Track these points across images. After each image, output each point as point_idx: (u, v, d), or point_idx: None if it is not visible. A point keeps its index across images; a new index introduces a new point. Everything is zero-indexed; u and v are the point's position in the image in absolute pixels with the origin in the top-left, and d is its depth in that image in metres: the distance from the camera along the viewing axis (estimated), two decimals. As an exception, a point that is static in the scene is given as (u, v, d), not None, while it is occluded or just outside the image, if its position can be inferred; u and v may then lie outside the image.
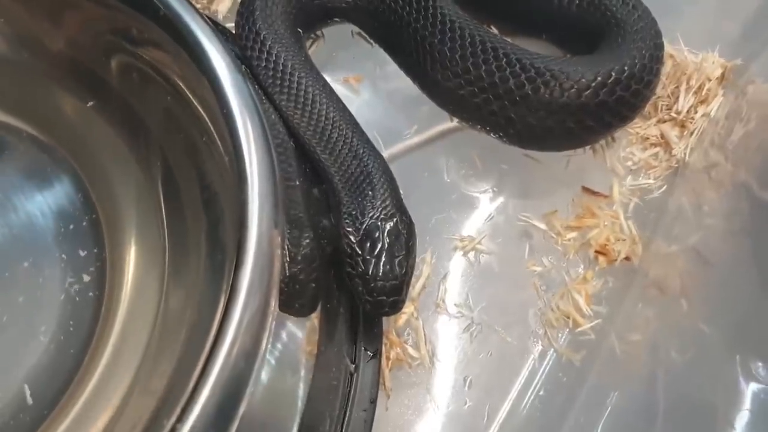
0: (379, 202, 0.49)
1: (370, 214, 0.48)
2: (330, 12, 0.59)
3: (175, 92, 0.47)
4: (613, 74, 0.50)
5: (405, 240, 0.48)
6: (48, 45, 0.51)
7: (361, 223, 0.48)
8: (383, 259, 0.47)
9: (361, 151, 0.52)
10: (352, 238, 0.48)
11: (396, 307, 0.47)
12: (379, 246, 0.47)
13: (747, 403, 0.48)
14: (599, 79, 0.49)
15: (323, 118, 0.52)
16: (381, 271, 0.47)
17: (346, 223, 0.48)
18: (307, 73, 0.54)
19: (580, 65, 0.50)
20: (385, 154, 0.56)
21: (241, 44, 0.55)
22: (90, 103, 0.51)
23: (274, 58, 0.53)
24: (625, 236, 0.55)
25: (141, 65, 0.49)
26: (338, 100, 0.54)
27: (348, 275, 0.48)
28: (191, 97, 0.47)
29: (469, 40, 0.53)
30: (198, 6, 0.61)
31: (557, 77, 0.49)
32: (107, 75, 0.51)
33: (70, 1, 0.48)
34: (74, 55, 0.51)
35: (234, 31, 0.57)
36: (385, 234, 0.48)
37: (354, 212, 0.49)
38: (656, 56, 0.52)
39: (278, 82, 0.53)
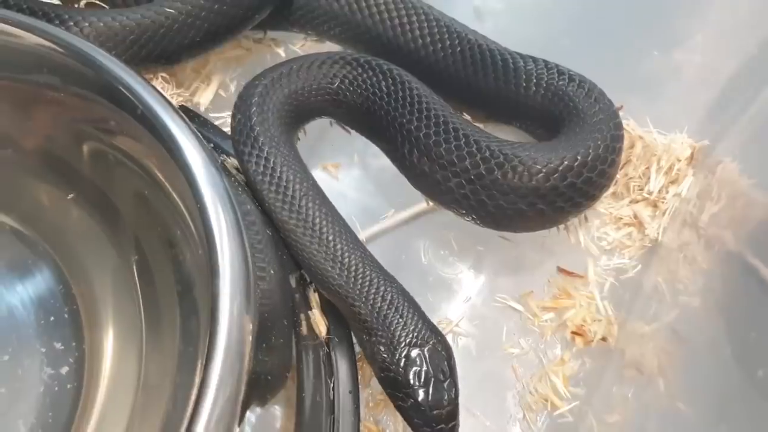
0: (411, 327, 0.48)
1: (407, 341, 0.47)
2: (317, 110, 0.61)
3: (153, 184, 0.49)
4: (566, 162, 0.52)
5: (447, 361, 0.47)
6: (23, 140, 0.52)
7: (400, 352, 0.47)
8: (432, 386, 0.46)
9: (369, 269, 0.51)
10: (395, 369, 0.47)
11: None
12: (425, 374, 0.46)
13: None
14: (551, 165, 0.51)
15: (328, 239, 0.52)
16: (434, 399, 0.46)
17: (384, 356, 0.47)
18: (301, 179, 0.54)
19: (536, 151, 0.52)
20: (362, 235, 0.57)
21: (235, 140, 0.56)
22: (70, 196, 0.52)
23: (271, 164, 0.54)
24: (601, 317, 0.56)
25: (117, 156, 0.50)
26: (328, 203, 0.54)
27: (398, 408, 0.47)
28: (169, 189, 0.48)
29: (443, 127, 0.54)
30: (180, 99, 0.64)
31: (511, 161, 0.51)
32: (83, 167, 0.52)
33: (49, 94, 0.50)
34: (50, 148, 0.52)
35: (231, 131, 0.58)
36: (427, 359, 0.47)
37: (388, 341, 0.47)
38: (612, 147, 0.54)
39: (273, 188, 0.53)
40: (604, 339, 0.55)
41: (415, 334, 0.47)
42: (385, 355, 0.47)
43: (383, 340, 0.48)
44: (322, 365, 0.50)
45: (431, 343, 0.47)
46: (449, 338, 0.56)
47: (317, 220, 0.52)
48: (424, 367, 0.46)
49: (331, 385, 0.50)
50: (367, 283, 0.50)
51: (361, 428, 0.50)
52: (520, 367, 0.54)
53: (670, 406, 0.52)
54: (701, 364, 0.55)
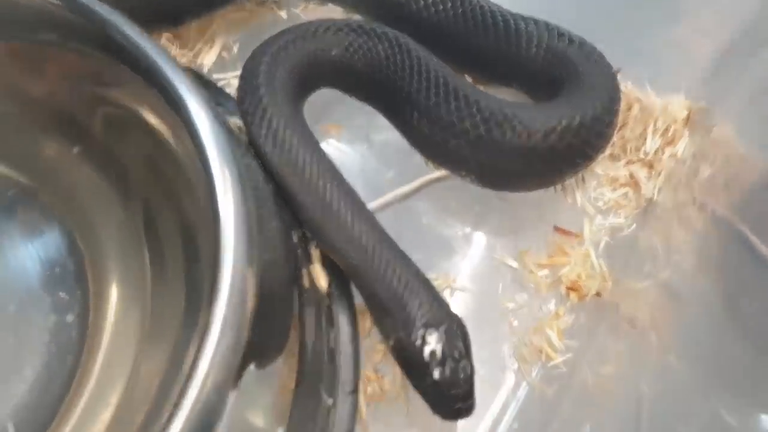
0: (427, 308, 0.48)
1: (423, 321, 0.48)
2: (323, 78, 0.61)
3: (155, 139, 0.50)
4: (564, 122, 0.52)
5: (462, 340, 0.48)
6: (31, 94, 0.53)
7: (416, 332, 0.47)
8: (448, 365, 0.47)
9: (386, 249, 0.51)
10: (412, 349, 0.47)
11: (471, 410, 0.47)
12: (441, 353, 0.47)
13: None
14: (550, 125, 0.52)
15: (345, 220, 0.51)
16: (450, 378, 0.46)
17: (400, 336, 0.48)
18: (307, 143, 0.53)
19: (536, 112, 0.53)
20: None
21: (242, 110, 0.55)
22: (75, 150, 0.53)
23: (275, 128, 0.53)
24: (595, 273, 0.57)
25: (122, 113, 0.51)
26: (340, 177, 0.54)
27: (415, 387, 0.48)
28: (171, 143, 0.49)
29: (443, 88, 0.55)
30: (184, 60, 0.65)
31: (510, 121, 0.52)
32: (90, 122, 0.53)
33: (51, 51, 0.50)
34: (57, 104, 0.53)
35: (237, 94, 0.57)
36: (443, 339, 0.47)
37: (404, 322, 0.48)
38: (610, 109, 0.55)
39: (277, 150, 0.53)
40: (598, 294, 0.56)
41: (431, 314, 0.48)
42: (402, 336, 0.48)
43: (400, 321, 0.48)
44: (323, 317, 0.51)
45: (447, 323, 0.48)
46: (447, 294, 0.57)
47: (329, 194, 0.52)
48: (440, 347, 0.47)
49: (332, 335, 0.51)
50: (384, 264, 0.50)
51: (361, 376, 0.51)
52: (516, 321, 0.56)
53: (662, 360, 0.53)
54: (693, 320, 0.56)
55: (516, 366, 0.54)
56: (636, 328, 0.55)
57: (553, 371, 0.54)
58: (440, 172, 0.61)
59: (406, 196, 0.61)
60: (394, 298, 0.49)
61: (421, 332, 0.47)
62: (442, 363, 0.46)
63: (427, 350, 0.47)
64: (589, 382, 0.53)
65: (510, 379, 0.54)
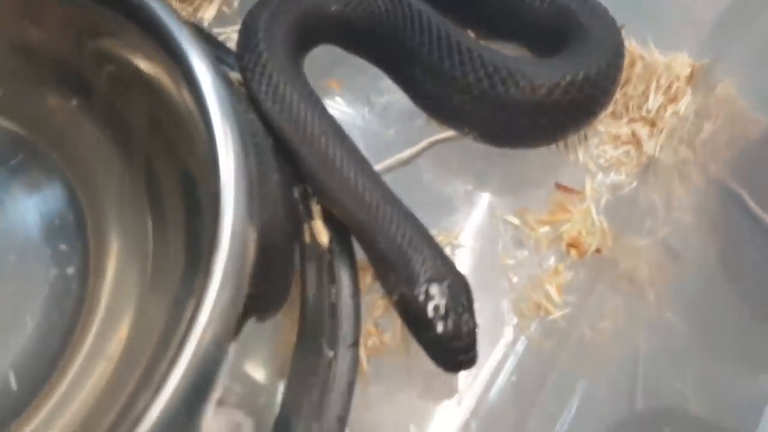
0: (430, 263, 0.48)
1: (426, 276, 0.48)
2: (323, 34, 0.60)
3: (157, 93, 0.49)
4: (568, 77, 0.52)
5: (465, 295, 0.48)
6: (34, 49, 0.52)
7: (419, 287, 0.48)
8: (451, 319, 0.47)
9: (390, 206, 0.51)
10: (415, 303, 0.47)
11: (473, 362, 0.48)
12: (444, 307, 0.47)
13: (711, 391, 0.50)
14: (554, 80, 0.52)
15: (348, 176, 0.51)
16: (453, 331, 0.47)
17: (403, 291, 0.48)
18: (308, 99, 0.53)
19: (539, 66, 0.53)
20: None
21: (241, 66, 0.55)
22: (74, 102, 0.53)
23: (275, 83, 0.53)
24: (596, 230, 0.57)
25: (125, 68, 0.50)
26: (342, 133, 0.54)
27: (419, 341, 0.48)
28: (173, 97, 0.48)
29: (445, 41, 0.55)
30: (184, 14, 0.64)
31: (514, 76, 0.52)
32: (93, 78, 0.53)
33: (52, 3, 0.50)
34: (60, 59, 0.52)
35: (236, 50, 0.57)
36: (446, 294, 0.47)
37: (407, 277, 0.48)
38: (615, 64, 0.55)
39: (278, 106, 0.53)
40: (598, 250, 0.56)
41: (435, 270, 0.48)
42: (405, 291, 0.48)
43: (403, 277, 0.48)
44: (324, 272, 0.51)
45: (450, 278, 0.48)
46: (448, 251, 0.57)
47: (331, 150, 0.52)
48: (443, 301, 0.47)
49: (333, 291, 0.51)
50: (388, 221, 0.50)
51: (362, 331, 0.51)
52: (515, 277, 0.56)
53: (659, 317, 0.54)
54: (692, 279, 0.56)
55: (515, 321, 0.54)
56: (634, 285, 0.55)
57: (552, 326, 0.54)
58: (443, 134, 0.60)
59: (408, 161, 0.61)
60: (398, 254, 0.49)
61: (424, 287, 0.47)
62: (444, 317, 0.47)
63: (430, 305, 0.47)
64: (587, 336, 0.53)
65: (509, 333, 0.54)
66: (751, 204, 0.54)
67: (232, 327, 0.40)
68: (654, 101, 0.61)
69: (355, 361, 0.50)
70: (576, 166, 0.60)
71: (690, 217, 0.58)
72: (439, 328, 0.47)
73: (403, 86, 0.59)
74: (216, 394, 0.40)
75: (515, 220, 0.58)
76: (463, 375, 0.52)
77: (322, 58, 0.61)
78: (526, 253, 0.57)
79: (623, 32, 0.58)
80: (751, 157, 0.58)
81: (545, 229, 0.57)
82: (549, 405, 0.51)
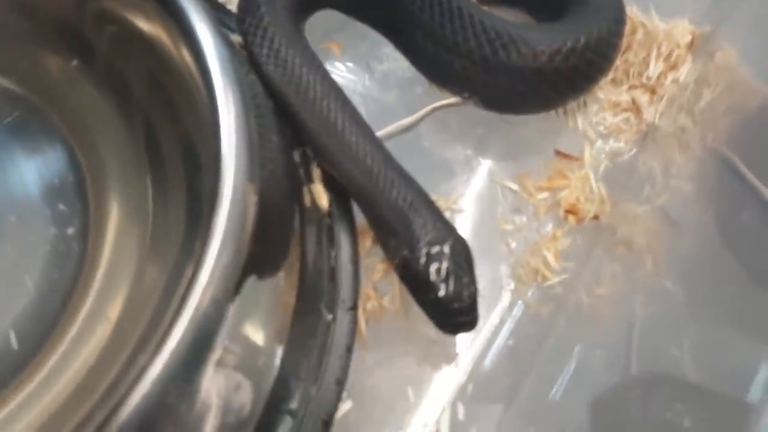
0: (431, 227, 0.49)
1: (427, 240, 0.48)
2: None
3: (157, 54, 0.49)
4: (569, 43, 0.52)
5: (465, 258, 0.49)
6: (31, 6, 0.52)
7: (420, 250, 0.48)
8: (452, 281, 0.47)
9: (390, 170, 0.51)
10: (416, 266, 0.48)
11: (474, 324, 0.48)
12: (445, 270, 0.47)
13: (707, 357, 0.50)
14: (555, 46, 0.52)
15: (350, 140, 0.51)
16: (454, 293, 0.47)
17: (404, 254, 0.48)
18: (309, 63, 0.53)
19: (540, 32, 0.53)
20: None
21: (242, 29, 0.54)
22: (74, 63, 0.52)
23: (277, 47, 0.53)
24: (594, 197, 0.57)
25: (126, 30, 0.50)
26: (343, 96, 0.53)
27: (420, 303, 0.49)
28: (173, 58, 0.48)
29: (446, 5, 0.54)
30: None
31: (516, 42, 0.52)
32: (94, 39, 0.52)
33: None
34: (58, 17, 0.52)
35: (237, 14, 0.57)
36: (447, 257, 0.48)
37: (408, 240, 0.48)
38: (615, 30, 0.55)
39: (279, 70, 0.52)
40: (596, 217, 0.56)
41: (435, 233, 0.48)
42: (406, 254, 0.48)
43: (404, 240, 0.48)
44: (324, 236, 0.51)
45: (450, 241, 0.48)
46: (447, 215, 0.57)
47: (333, 114, 0.52)
48: (444, 264, 0.47)
49: (333, 254, 0.51)
50: (389, 185, 0.50)
51: (361, 294, 0.51)
52: (514, 243, 0.56)
53: (656, 283, 0.54)
54: (689, 246, 0.57)
55: (512, 286, 0.55)
56: (632, 252, 0.55)
57: (549, 291, 0.54)
58: (444, 101, 0.60)
59: (409, 127, 0.60)
60: (399, 218, 0.49)
61: (425, 250, 0.48)
62: (446, 279, 0.47)
63: (431, 267, 0.47)
64: (584, 302, 0.54)
65: (506, 298, 0.54)
66: (749, 173, 0.54)
67: (232, 288, 0.40)
68: (654, 68, 0.61)
69: (354, 324, 0.50)
70: (575, 133, 0.60)
71: (688, 185, 0.58)
72: (441, 290, 0.47)
73: (403, 51, 0.59)
74: (215, 355, 0.40)
75: (514, 186, 0.58)
76: (460, 339, 0.53)
77: (322, 24, 0.61)
78: (524, 218, 0.57)
79: (625, -1, 0.58)
80: (750, 126, 0.58)
81: (544, 195, 0.58)
82: (545, 369, 0.52)
